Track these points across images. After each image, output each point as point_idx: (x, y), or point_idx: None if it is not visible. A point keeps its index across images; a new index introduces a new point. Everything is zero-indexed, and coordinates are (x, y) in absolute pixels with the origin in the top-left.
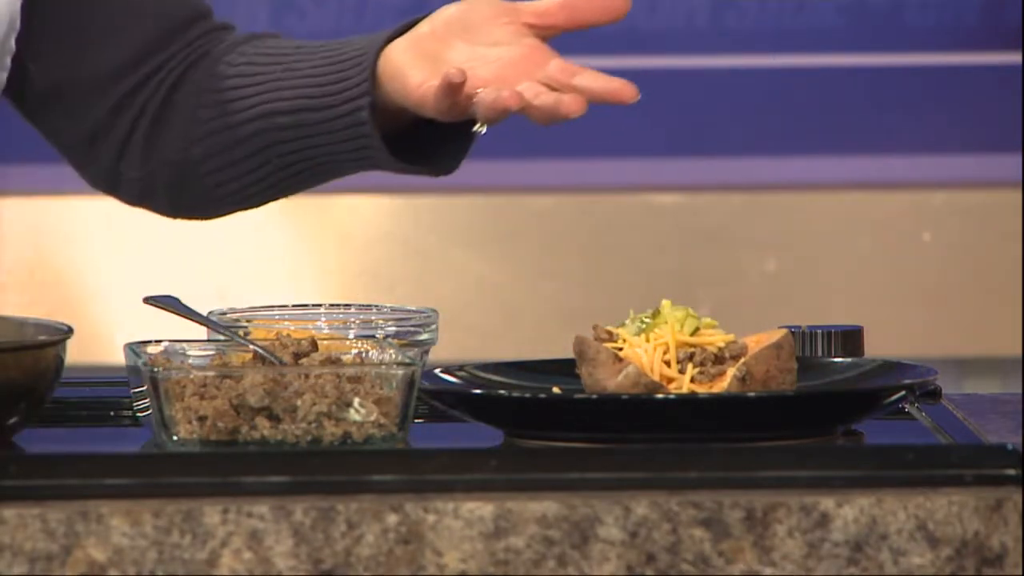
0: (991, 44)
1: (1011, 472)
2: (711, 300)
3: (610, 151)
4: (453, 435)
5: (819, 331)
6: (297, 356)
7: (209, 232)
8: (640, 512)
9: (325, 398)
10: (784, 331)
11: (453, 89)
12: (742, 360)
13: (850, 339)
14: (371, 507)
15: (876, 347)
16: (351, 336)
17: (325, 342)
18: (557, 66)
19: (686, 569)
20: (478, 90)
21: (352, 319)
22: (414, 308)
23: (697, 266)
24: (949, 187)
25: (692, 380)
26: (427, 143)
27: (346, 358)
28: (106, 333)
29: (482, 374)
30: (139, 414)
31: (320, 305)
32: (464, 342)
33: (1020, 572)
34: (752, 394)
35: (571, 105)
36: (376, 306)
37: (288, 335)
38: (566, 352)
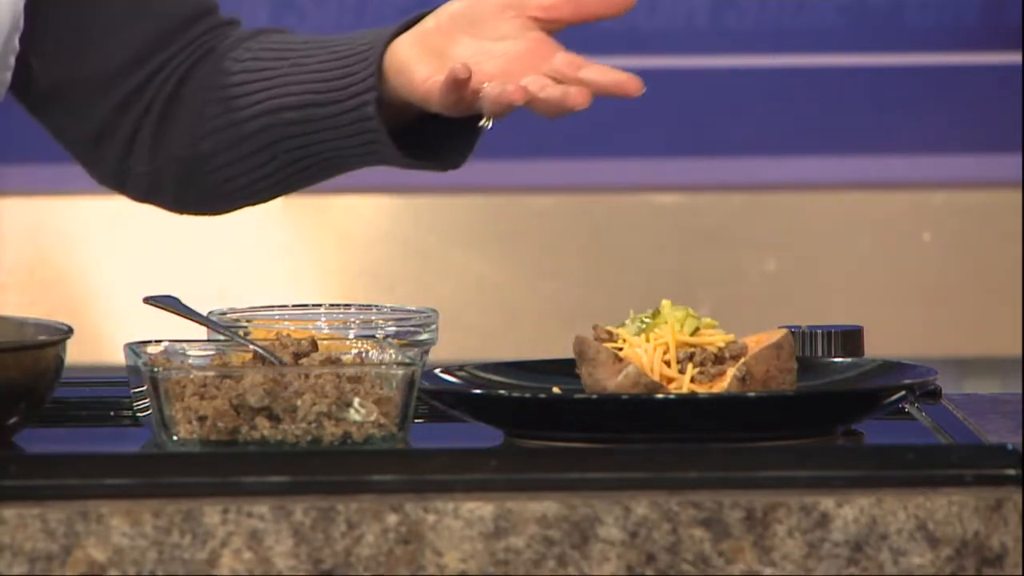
0: (991, 44)
1: (1011, 472)
2: (711, 300)
3: (610, 151)
4: (453, 435)
5: (819, 331)
6: (297, 356)
7: (209, 232)
8: (640, 512)
9: (325, 398)
10: (784, 331)
11: (458, 84)
12: (742, 360)
13: (850, 339)
14: (371, 507)
15: (876, 347)
16: (351, 336)
17: (325, 342)
18: (563, 59)
19: (686, 569)
20: (484, 84)
21: (352, 319)
22: (414, 308)
23: (697, 266)
24: (949, 187)
25: (692, 380)
26: (433, 138)
27: (346, 358)
28: (106, 333)
29: (482, 374)
30: (139, 414)
31: (320, 305)
32: (464, 342)
33: (1020, 572)
34: (752, 394)
35: (576, 98)
36: (376, 306)
37: (288, 335)
38: (566, 352)
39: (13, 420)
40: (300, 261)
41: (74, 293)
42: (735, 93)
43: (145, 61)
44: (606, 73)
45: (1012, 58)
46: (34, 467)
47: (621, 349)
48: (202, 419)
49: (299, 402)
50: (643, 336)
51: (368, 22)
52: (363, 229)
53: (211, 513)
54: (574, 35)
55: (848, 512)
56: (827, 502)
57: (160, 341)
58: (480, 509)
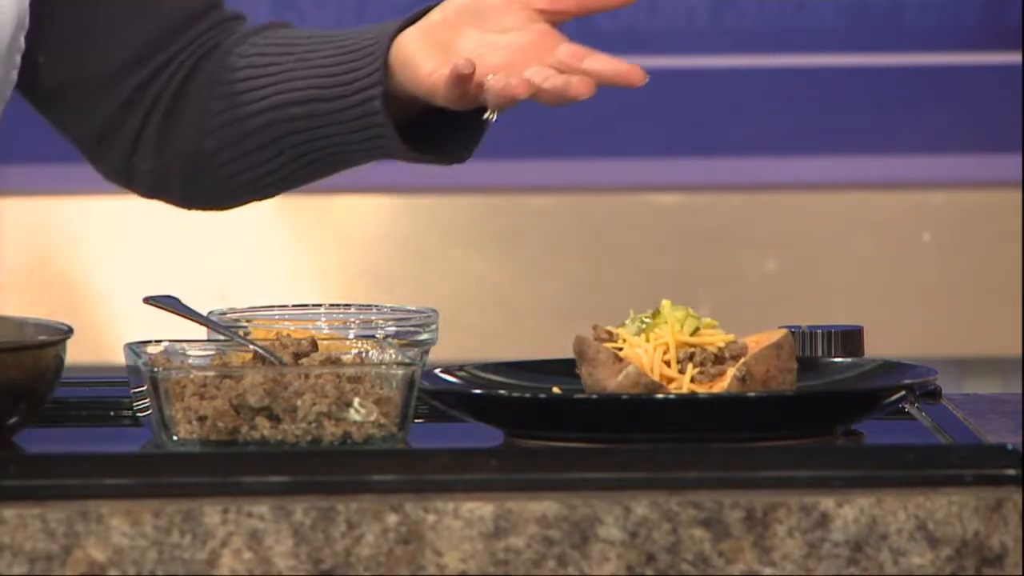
0: (991, 44)
1: (1011, 472)
2: (711, 300)
3: (610, 151)
4: (453, 435)
5: (819, 331)
6: (297, 356)
7: (209, 232)
8: (640, 512)
9: (325, 398)
10: (784, 331)
11: (462, 80)
12: (742, 360)
13: (850, 339)
14: (371, 507)
15: (876, 347)
16: (351, 336)
17: (325, 342)
18: (566, 50)
19: (686, 569)
20: (488, 77)
21: (352, 319)
22: (414, 308)
23: (697, 266)
24: (949, 187)
25: (692, 380)
26: (439, 132)
27: (346, 358)
28: (106, 333)
29: (482, 374)
30: (139, 414)
31: (320, 305)
32: (464, 342)
33: (1020, 572)
34: (752, 394)
35: (579, 87)
36: (376, 306)
37: (288, 335)
38: (566, 352)
39: (13, 420)
40: (300, 261)
41: (74, 293)
42: (735, 93)
43: (150, 58)
44: (609, 63)
45: (1012, 58)
46: (34, 467)
47: (621, 349)
48: (202, 419)
49: (299, 402)
50: (643, 336)
51: (367, 22)
52: (363, 229)
53: (211, 513)
54: (574, 36)
55: (848, 512)
56: (827, 502)
57: (160, 341)
58: (480, 509)
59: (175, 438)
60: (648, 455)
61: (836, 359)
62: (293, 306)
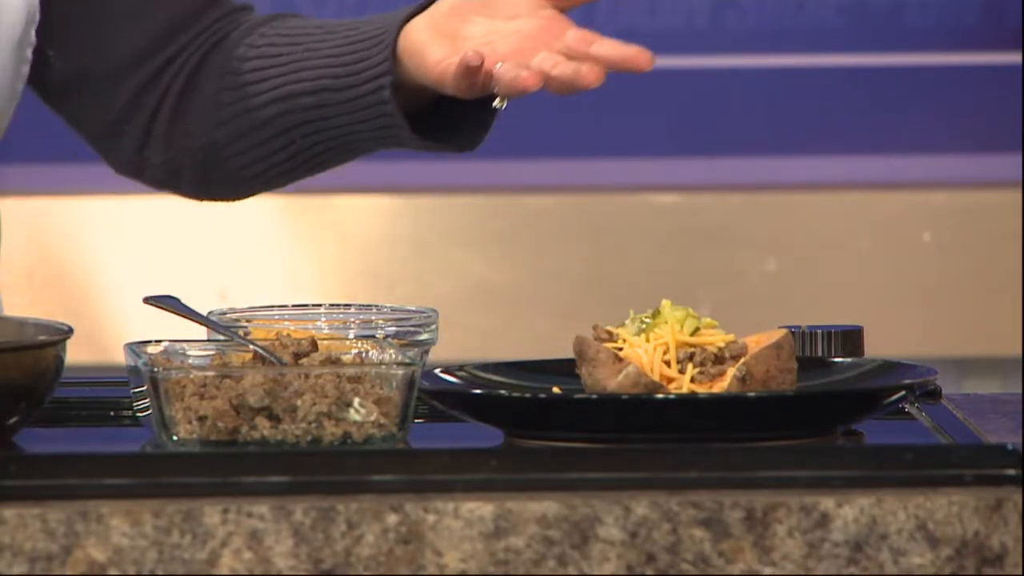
0: (991, 44)
1: (1011, 472)
2: (711, 300)
3: (610, 151)
4: (453, 435)
5: (819, 331)
6: (297, 356)
7: (209, 232)
8: (640, 512)
9: (325, 398)
10: (784, 331)
11: (471, 71)
12: (742, 360)
13: (850, 339)
14: (371, 507)
15: (876, 347)
16: (351, 336)
17: (325, 342)
18: (574, 36)
19: (686, 569)
20: (497, 65)
21: (352, 319)
22: (414, 308)
23: (697, 266)
24: (949, 187)
25: (692, 380)
26: (449, 120)
27: (346, 358)
28: (106, 333)
29: (482, 374)
30: (139, 414)
31: (320, 305)
32: (464, 342)
33: (1020, 572)
34: (752, 394)
35: (589, 75)
36: (376, 306)
37: (288, 335)
38: (566, 352)
39: (13, 420)
40: (300, 261)
41: (74, 293)
42: (735, 93)
43: (159, 50)
44: (616, 48)
45: (1012, 58)
46: (34, 467)
47: (621, 349)
48: (202, 419)
49: (299, 402)
50: (643, 336)
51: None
52: (363, 229)
53: (211, 513)
54: None
55: (848, 512)
56: (827, 502)
57: (160, 341)
58: (480, 509)
59: (175, 438)
60: (648, 455)
61: (836, 359)
62: (293, 306)
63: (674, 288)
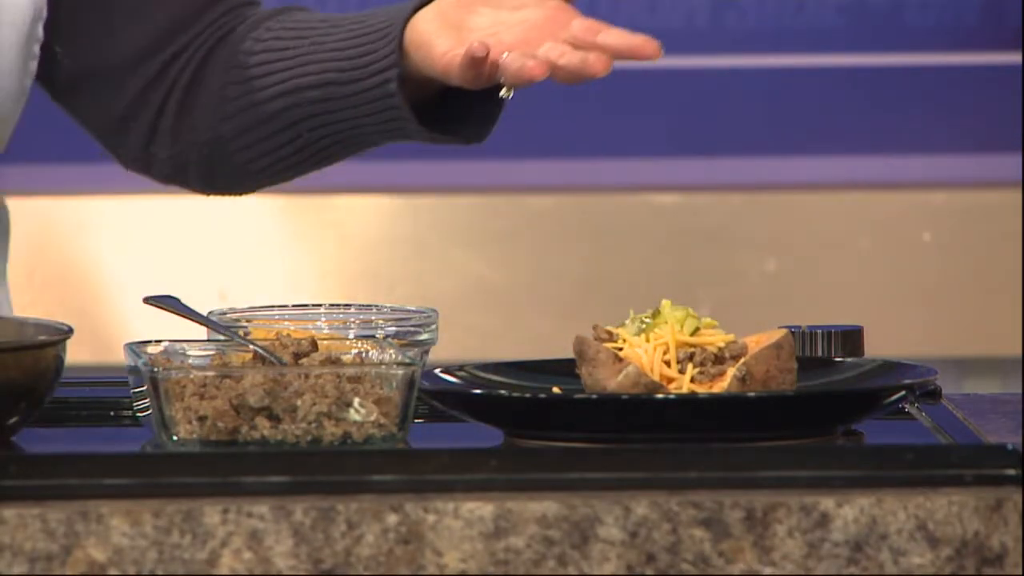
0: (991, 44)
1: (1011, 472)
2: (711, 300)
3: (610, 151)
4: (453, 435)
5: (819, 331)
6: (297, 356)
7: (209, 232)
8: (640, 512)
9: (325, 398)
10: (784, 331)
11: (477, 62)
12: (742, 360)
13: (850, 339)
14: (371, 507)
15: (876, 347)
16: (351, 336)
17: (325, 342)
18: (580, 25)
19: (686, 569)
20: (503, 55)
21: (352, 319)
22: (414, 308)
23: (697, 266)
24: (949, 187)
25: (692, 380)
26: (456, 111)
27: (346, 358)
28: (106, 333)
29: (482, 374)
30: (139, 414)
31: (320, 305)
32: (464, 342)
33: (1020, 572)
34: (752, 394)
35: (596, 64)
36: (376, 306)
37: (288, 335)
38: (566, 352)
39: (13, 420)
40: (300, 261)
41: (74, 293)
42: (735, 93)
43: (167, 43)
44: (623, 37)
45: (1012, 58)
46: (34, 467)
47: (621, 349)
48: (202, 419)
49: (299, 402)
50: (643, 336)
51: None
52: (363, 229)
53: (211, 513)
54: None
55: (848, 512)
56: (827, 502)
57: (160, 341)
58: (480, 509)
59: (175, 438)
60: (648, 455)
61: (836, 359)
62: (293, 306)
63: (674, 288)
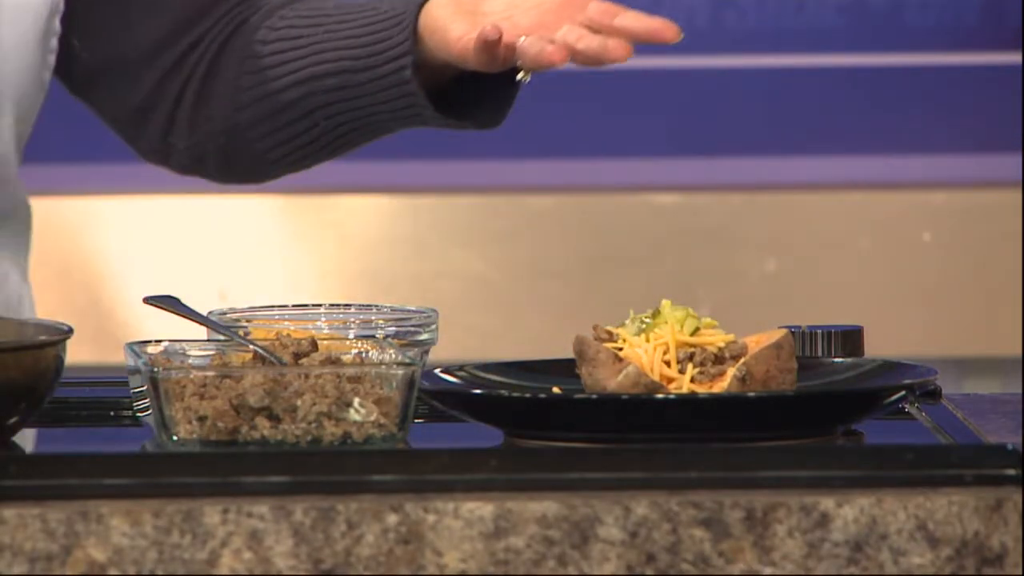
0: (991, 44)
1: (1011, 472)
2: (711, 300)
3: (610, 151)
4: (453, 435)
5: (819, 331)
6: (297, 356)
7: (209, 232)
8: (640, 512)
9: (325, 398)
10: (784, 331)
11: (490, 45)
12: (742, 360)
13: (850, 339)
14: (371, 507)
15: (876, 347)
16: (351, 336)
17: (325, 342)
18: (597, 8)
19: (686, 569)
20: (520, 39)
21: (352, 319)
22: (414, 308)
23: (697, 266)
24: (949, 187)
25: (692, 380)
26: (472, 97)
27: (346, 358)
28: (106, 333)
29: (482, 374)
30: (139, 414)
31: (320, 305)
32: (464, 342)
33: (1020, 572)
34: (752, 394)
35: (617, 50)
36: (376, 306)
37: (288, 335)
38: (566, 352)
39: (13, 420)
40: (300, 261)
41: (74, 293)
42: (735, 93)
43: (181, 36)
44: (641, 20)
45: (1012, 58)
46: (34, 467)
47: (621, 349)
48: (202, 419)
49: (299, 402)
50: (643, 336)
51: None
52: (363, 229)
53: (211, 513)
54: None
55: (848, 512)
56: (827, 502)
57: (160, 341)
58: (480, 509)
59: (175, 438)
60: (648, 455)
61: (836, 359)
62: (293, 306)
63: (674, 288)
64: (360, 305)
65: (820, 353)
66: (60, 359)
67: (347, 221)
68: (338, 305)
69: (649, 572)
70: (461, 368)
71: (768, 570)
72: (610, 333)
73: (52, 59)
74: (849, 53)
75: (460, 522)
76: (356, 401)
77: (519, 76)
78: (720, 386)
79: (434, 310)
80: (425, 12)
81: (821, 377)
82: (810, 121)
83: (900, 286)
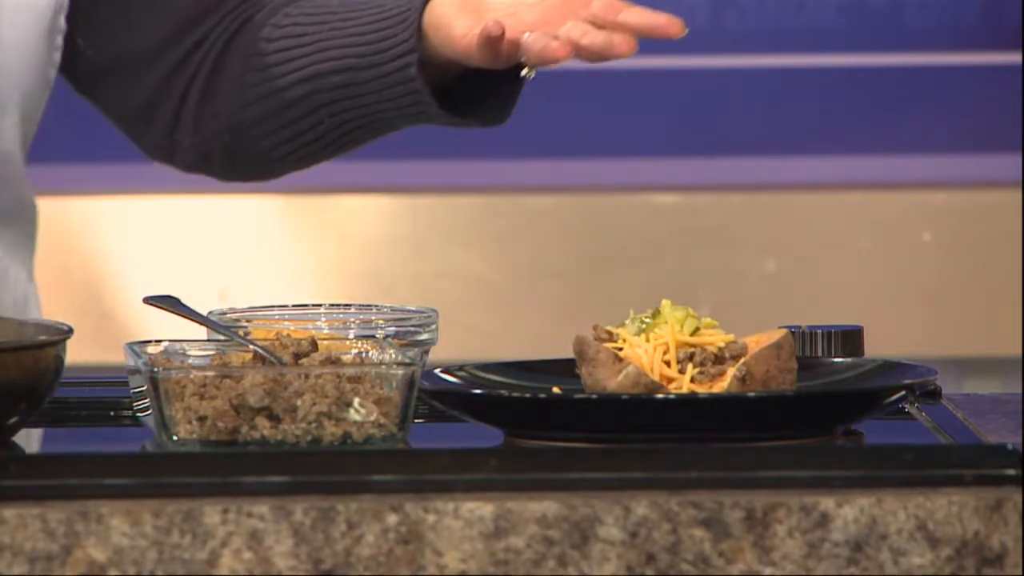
0: (991, 44)
1: (1011, 472)
2: (711, 300)
3: (610, 151)
4: (453, 435)
5: (819, 331)
6: (297, 356)
7: (209, 232)
8: (640, 512)
9: (325, 398)
10: (784, 331)
11: (492, 41)
12: (742, 360)
13: (850, 339)
14: (371, 507)
15: (876, 347)
16: (351, 336)
17: (325, 342)
18: (601, 4)
19: (686, 569)
20: (524, 35)
21: (352, 319)
22: (414, 308)
23: (697, 266)
24: (949, 187)
25: (692, 380)
26: (477, 94)
27: (346, 358)
28: (106, 333)
29: (482, 374)
30: (139, 414)
31: (320, 305)
32: (464, 342)
33: (1020, 572)
34: (752, 394)
35: (621, 46)
36: (376, 306)
37: (288, 335)
38: (566, 352)
39: (13, 420)
40: (300, 261)
41: (74, 293)
42: (735, 93)
43: (186, 34)
44: (645, 16)
45: (1012, 58)
46: (34, 467)
47: (621, 349)
48: (202, 419)
49: (299, 402)
50: (643, 336)
51: None
52: (363, 229)
53: (211, 513)
54: None
55: (848, 512)
56: (827, 502)
57: (160, 341)
58: (480, 509)
59: (175, 438)
60: (648, 455)
61: (836, 359)
62: (293, 306)
63: (674, 288)
64: (360, 305)
65: (820, 353)
66: (60, 359)
67: (347, 221)
68: (338, 305)
69: (649, 572)
70: (461, 368)
71: (768, 570)
72: (610, 333)
73: (57, 57)
74: (849, 53)
75: (460, 522)
76: (356, 401)
77: (523, 72)
78: (720, 386)
79: (434, 310)
80: (429, 9)
81: (821, 377)
82: (810, 121)
83: (900, 286)
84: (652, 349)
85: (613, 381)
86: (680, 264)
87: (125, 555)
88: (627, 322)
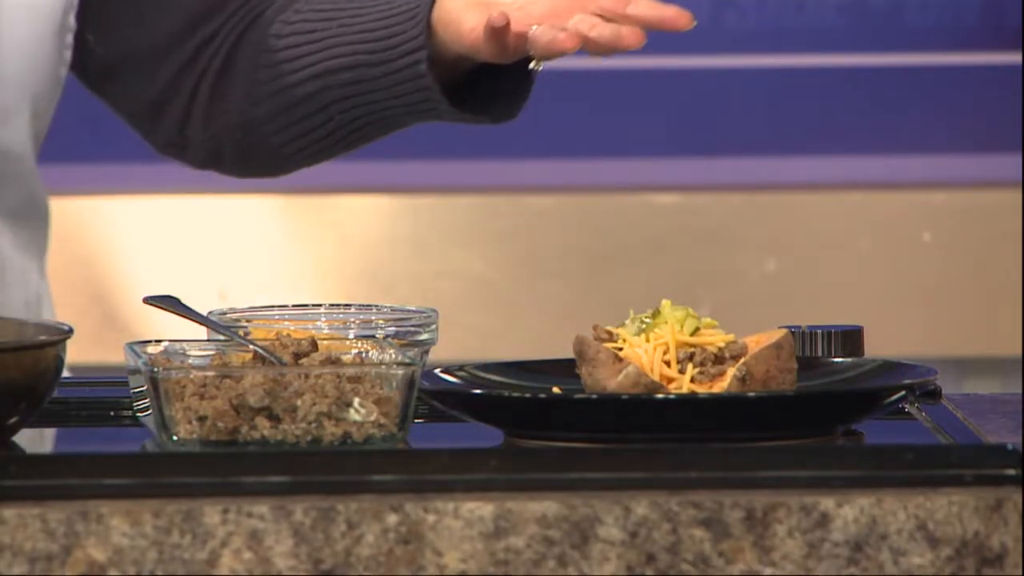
0: (991, 44)
1: (1011, 472)
2: (711, 300)
3: (610, 151)
4: (453, 435)
5: (819, 331)
6: (297, 356)
7: (209, 232)
8: (640, 512)
9: (325, 398)
10: (784, 331)
11: (498, 33)
12: (742, 360)
13: (850, 339)
14: (371, 507)
15: (876, 347)
16: (351, 336)
17: (325, 342)
18: None
19: (686, 569)
20: (532, 28)
21: (352, 319)
22: (414, 308)
23: (697, 266)
24: (949, 187)
25: (692, 380)
26: (487, 90)
27: (346, 358)
28: (106, 333)
29: (482, 374)
30: (139, 414)
31: (320, 305)
32: (464, 342)
33: (1020, 572)
34: (752, 394)
35: (630, 38)
36: (376, 306)
37: (288, 335)
38: (566, 352)
39: (13, 420)
40: (300, 261)
41: (74, 293)
42: (735, 93)
43: (196, 30)
44: (653, 8)
45: (1012, 58)
46: (34, 467)
47: (621, 349)
48: (202, 419)
49: (299, 402)
50: (643, 336)
51: None
52: (363, 229)
53: (211, 513)
54: None
55: (848, 512)
56: (827, 502)
57: (160, 341)
58: (480, 509)
59: (175, 438)
60: (648, 455)
61: (836, 359)
62: (293, 306)
63: (674, 288)
64: (360, 305)
65: (820, 353)
66: (60, 359)
67: (347, 221)
68: (338, 305)
69: (649, 572)
70: (461, 368)
71: (768, 570)
72: (610, 333)
73: (68, 55)
74: (849, 53)
75: (460, 522)
76: (356, 401)
77: (531, 65)
78: (720, 386)
79: (434, 310)
80: (439, 5)
81: (821, 377)
82: (810, 121)
83: (900, 286)
84: (652, 349)
85: (613, 381)
86: (680, 264)
87: (125, 555)
88: (627, 322)
